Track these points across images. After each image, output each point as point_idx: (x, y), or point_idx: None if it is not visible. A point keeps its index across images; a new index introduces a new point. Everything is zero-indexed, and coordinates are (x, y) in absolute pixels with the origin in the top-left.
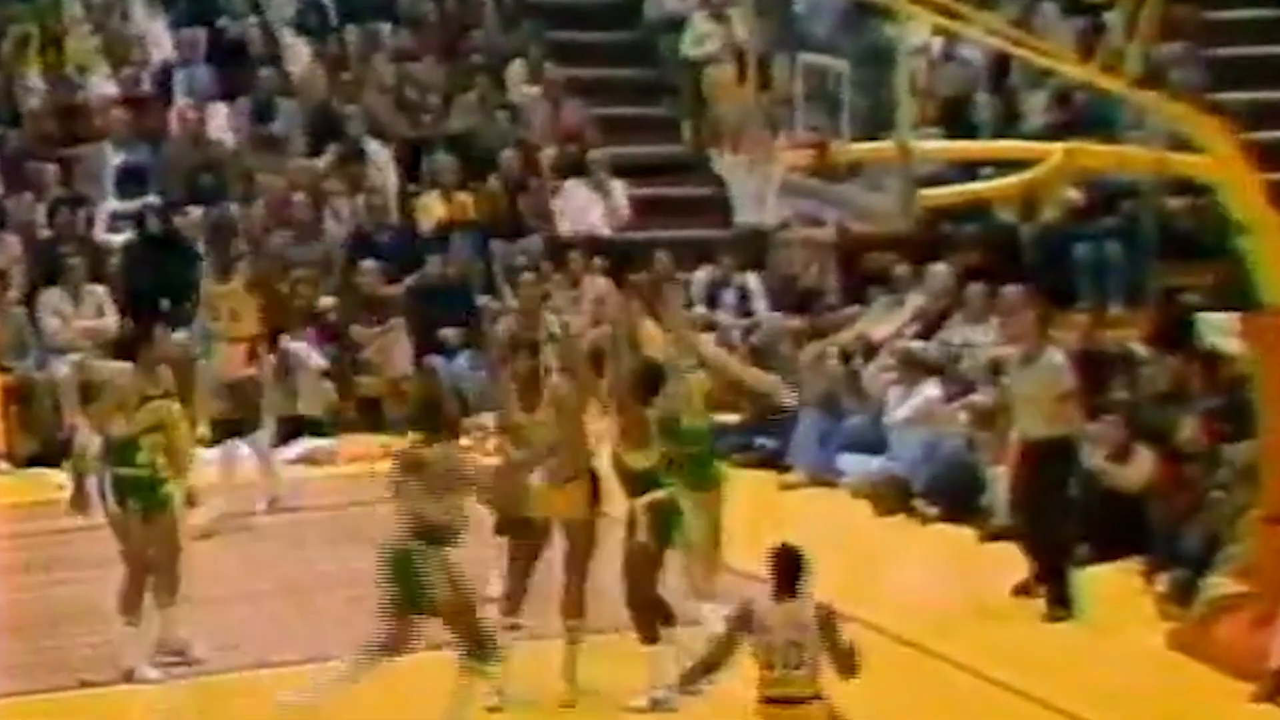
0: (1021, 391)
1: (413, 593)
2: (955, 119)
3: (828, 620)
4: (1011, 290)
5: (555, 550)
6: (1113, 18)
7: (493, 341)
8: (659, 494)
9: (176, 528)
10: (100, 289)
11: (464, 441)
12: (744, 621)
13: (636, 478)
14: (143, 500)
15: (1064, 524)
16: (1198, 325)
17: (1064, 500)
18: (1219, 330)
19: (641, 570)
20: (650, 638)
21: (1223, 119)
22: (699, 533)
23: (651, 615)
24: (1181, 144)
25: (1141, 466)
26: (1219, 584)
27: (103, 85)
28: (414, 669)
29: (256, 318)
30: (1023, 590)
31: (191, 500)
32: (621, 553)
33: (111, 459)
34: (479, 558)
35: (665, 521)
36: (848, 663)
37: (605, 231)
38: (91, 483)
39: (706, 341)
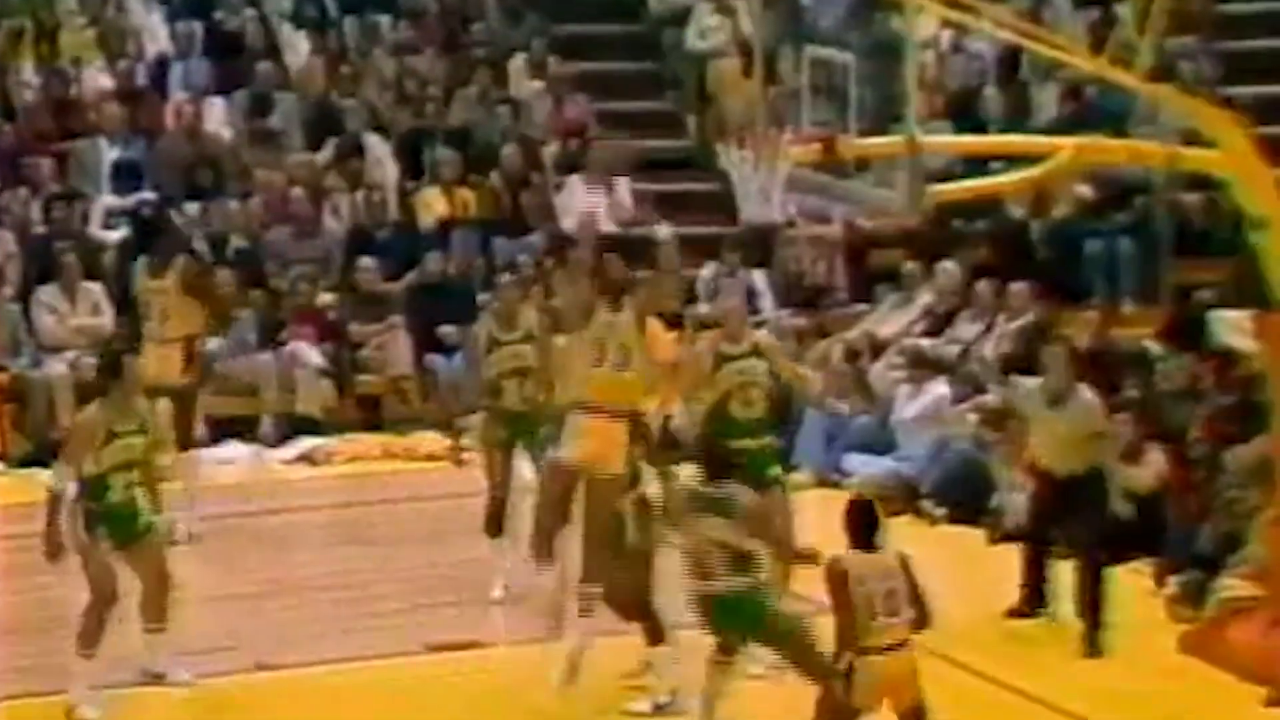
0: (1052, 431)
1: (743, 627)
2: (964, 113)
3: (908, 567)
4: (1020, 287)
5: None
6: (1124, 11)
7: (471, 341)
8: (643, 490)
9: (163, 558)
10: (96, 286)
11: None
12: (840, 579)
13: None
14: (114, 531)
15: (1096, 554)
16: (1211, 323)
17: (1092, 532)
18: (1232, 328)
19: (636, 569)
20: (656, 639)
21: (1236, 113)
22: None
23: (654, 618)
24: (1194, 139)
25: (1153, 466)
26: (1231, 586)
27: (97, 78)
28: (418, 672)
29: (190, 319)
30: (1016, 614)
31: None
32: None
33: (84, 496)
34: (480, 559)
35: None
36: (926, 609)
37: (609, 228)
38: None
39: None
